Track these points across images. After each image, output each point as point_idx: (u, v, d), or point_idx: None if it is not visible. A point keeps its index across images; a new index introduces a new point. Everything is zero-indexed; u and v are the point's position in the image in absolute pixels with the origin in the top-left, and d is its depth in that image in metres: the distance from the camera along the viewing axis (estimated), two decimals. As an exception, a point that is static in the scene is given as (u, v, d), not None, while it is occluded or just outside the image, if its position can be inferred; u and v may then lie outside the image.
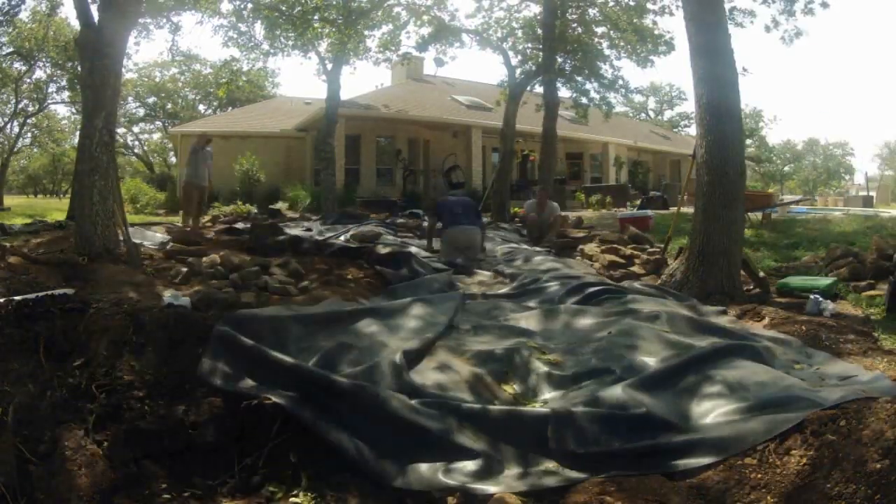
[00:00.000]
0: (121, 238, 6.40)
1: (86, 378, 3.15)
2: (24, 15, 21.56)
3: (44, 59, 24.85)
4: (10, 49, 23.45)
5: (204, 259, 6.10)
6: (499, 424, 2.97)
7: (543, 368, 3.64)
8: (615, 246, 8.23)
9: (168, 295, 4.64)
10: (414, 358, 3.60)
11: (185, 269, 5.65)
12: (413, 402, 3.03)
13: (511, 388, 3.48)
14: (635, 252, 7.91)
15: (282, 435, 2.91)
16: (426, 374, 3.47)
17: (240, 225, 8.60)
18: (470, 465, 2.75)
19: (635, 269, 7.30)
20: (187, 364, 3.52)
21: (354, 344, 3.75)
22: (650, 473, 2.64)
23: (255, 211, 15.47)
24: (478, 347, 3.93)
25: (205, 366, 3.24)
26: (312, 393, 3.05)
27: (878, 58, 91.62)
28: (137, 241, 6.87)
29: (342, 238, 8.86)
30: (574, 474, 2.67)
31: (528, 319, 4.73)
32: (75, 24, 12.49)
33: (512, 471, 2.75)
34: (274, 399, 2.94)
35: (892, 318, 4.58)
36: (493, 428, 2.95)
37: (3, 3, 14.99)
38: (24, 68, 25.46)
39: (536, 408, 3.21)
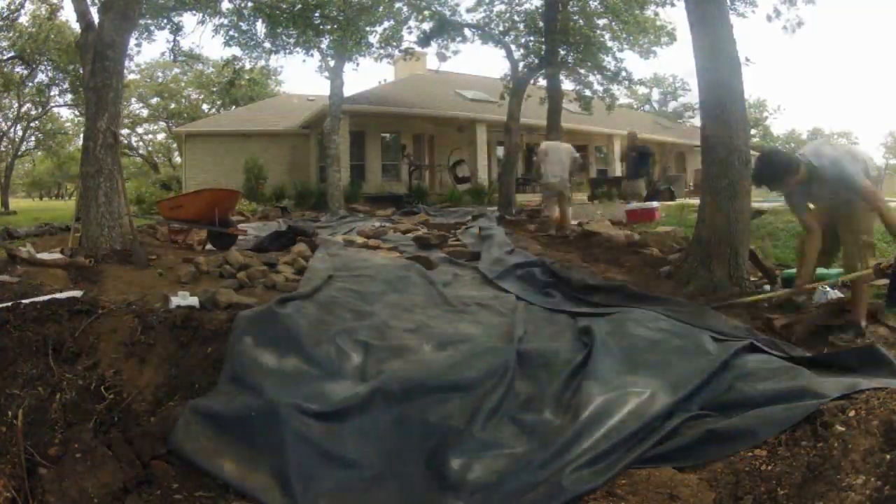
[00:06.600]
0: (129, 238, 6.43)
1: (95, 380, 3.17)
2: (23, 19, 21.60)
3: (45, 63, 24.85)
4: (12, 53, 23.42)
5: (212, 258, 6.12)
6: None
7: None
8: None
9: (176, 296, 4.65)
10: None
11: (192, 269, 5.66)
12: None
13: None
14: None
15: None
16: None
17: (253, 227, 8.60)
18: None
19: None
20: (195, 364, 3.54)
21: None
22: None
23: (265, 208, 15.45)
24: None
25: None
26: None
27: (881, 47, 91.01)
28: None
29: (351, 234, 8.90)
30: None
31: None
32: (76, 26, 12.51)
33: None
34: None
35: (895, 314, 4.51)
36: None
37: (2, 8, 15.00)
38: (25, 72, 25.42)
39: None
